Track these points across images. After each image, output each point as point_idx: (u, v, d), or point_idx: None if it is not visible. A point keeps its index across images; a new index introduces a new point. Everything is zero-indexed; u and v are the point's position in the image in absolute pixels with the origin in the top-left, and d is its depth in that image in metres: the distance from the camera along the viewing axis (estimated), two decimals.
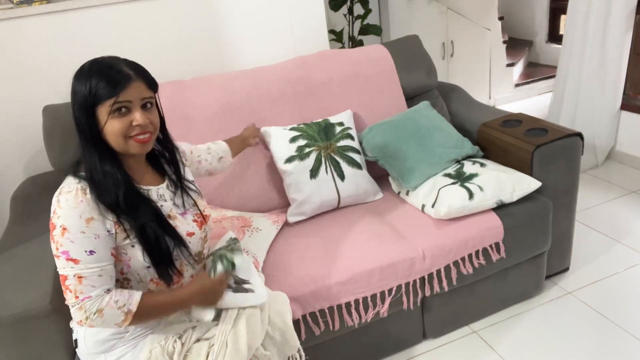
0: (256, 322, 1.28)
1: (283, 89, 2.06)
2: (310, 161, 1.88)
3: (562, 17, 4.50)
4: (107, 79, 1.12)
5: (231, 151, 1.73)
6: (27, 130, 2.03)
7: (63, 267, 1.09)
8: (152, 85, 1.19)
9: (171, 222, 1.23)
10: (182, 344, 1.21)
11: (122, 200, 1.14)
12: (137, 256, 1.16)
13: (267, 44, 2.36)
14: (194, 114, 1.93)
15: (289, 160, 1.89)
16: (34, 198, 1.85)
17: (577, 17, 2.90)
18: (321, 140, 1.93)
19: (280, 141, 1.91)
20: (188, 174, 1.39)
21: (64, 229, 1.09)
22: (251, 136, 1.90)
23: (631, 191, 2.72)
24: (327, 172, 1.89)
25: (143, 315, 1.16)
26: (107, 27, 2.05)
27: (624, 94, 2.92)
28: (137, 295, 1.14)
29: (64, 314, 1.33)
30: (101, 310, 1.10)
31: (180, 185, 1.31)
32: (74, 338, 1.26)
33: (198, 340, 1.24)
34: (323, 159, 1.90)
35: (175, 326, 1.24)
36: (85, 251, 1.10)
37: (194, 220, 1.29)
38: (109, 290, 1.12)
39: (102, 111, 1.12)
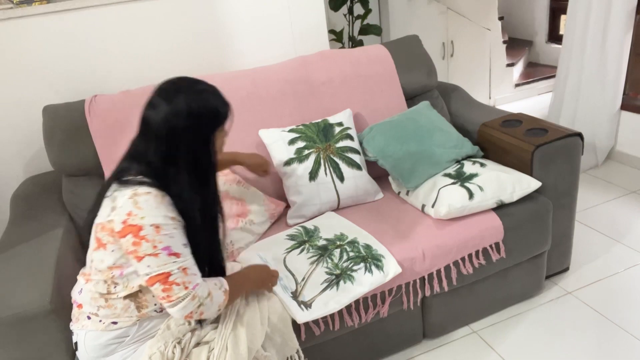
0: (255, 324, 1.28)
1: (283, 89, 2.06)
2: (309, 163, 1.88)
3: (562, 17, 4.50)
4: (223, 99, 1.20)
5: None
6: (27, 130, 2.03)
7: (164, 263, 1.10)
8: None
9: None
10: (182, 349, 1.20)
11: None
12: None
13: (267, 44, 2.36)
14: None
15: (288, 162, 1.88)
16: (34, 198, 1.85)
17: (577, 17, 2.90)
18: (320, 141, 1.93)
19: (279, 143, 1.91)
20: None
21: (157, 227, 1.09)
22: (255, 165, 1.76)
23: (631, 191, 2.72)
24: (326, 174, 1.88)
25: (231, 294, 1.23)
26: (107, 27, 2.05)
27: (624, 94, 2.92)
28: (221, 277, 1.24)
29: (64, 314, 1.33)
30: (210, 293, 1.16)
31: None
32: (74, 341, 1.26)
33: (197, 344, 1.24)
34: (322, 161, 1.90)
35: (174, 330, 1.24)
36: (183, 244, 1.14)
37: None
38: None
39: (220, 133, 1.21)
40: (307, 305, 1.44)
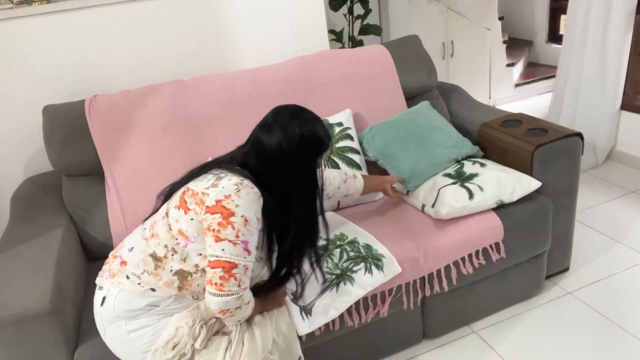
0: (266, 324, 1.32)
1: (283, 89, 2.06)
2: None
3: (562, 17, 4.50)
4: (326, 130, 1.31)
5: (363, 189, 1.74)
6: (27, 130, 2.03)
7: (237, 254, 1.15)
8: None
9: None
10: (207, 331, 1.25)
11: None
12: None
13: (267, 44, 2.36)
14: (194, 114, 1.93)
15: None
16: (34, 198, 1.85)
17: (577, 17, 2.90)
18: None
19: None
20: None
21: (246, 220, 1.15)
22: (389, 184, 1.80)
23: (631, 191, 2.72)
24: None
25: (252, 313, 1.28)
26: (107, 27, 2.05)
27: (624, 94, 2.92)
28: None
29: (64, 314, 1.33)
30: (249, 302, 1.22)
31: None
32: (101, 295, 1.26)
33: (217, 332, 1.28)
34: (322, 161, 1.90)
35: (202, 311, 1.26)
36: (255, 246, 1.19)
37: None
38: None
39: (322, 157, 1.33)
40: (308, 311, 1.45)
